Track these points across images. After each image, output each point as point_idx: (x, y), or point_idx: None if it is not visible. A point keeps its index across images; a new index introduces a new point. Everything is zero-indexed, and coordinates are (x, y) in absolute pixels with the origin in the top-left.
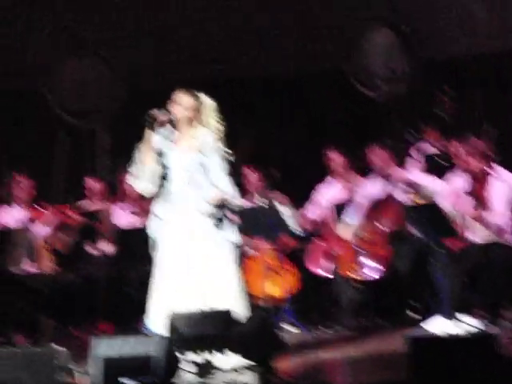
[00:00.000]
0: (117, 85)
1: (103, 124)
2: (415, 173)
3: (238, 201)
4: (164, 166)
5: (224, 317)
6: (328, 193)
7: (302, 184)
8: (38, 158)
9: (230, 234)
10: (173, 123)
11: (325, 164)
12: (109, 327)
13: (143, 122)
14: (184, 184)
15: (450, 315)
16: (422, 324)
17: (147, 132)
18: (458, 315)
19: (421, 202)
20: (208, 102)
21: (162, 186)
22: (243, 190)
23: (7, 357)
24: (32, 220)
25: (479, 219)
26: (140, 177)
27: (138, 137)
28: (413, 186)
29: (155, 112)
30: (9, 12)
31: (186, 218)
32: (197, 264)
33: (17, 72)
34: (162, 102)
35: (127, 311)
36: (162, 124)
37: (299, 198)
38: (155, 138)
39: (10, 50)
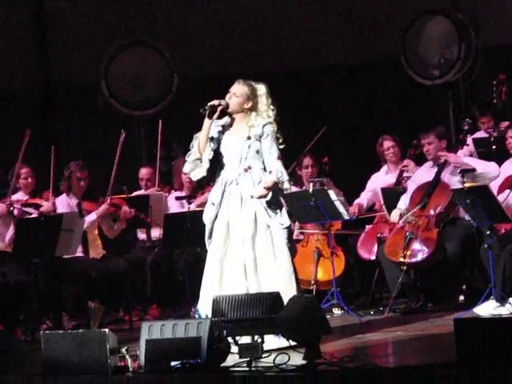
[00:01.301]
0: (171, 75)
1: (158, 114)
2: (470, 158)
3: (288, 185)
4: (220, 154)
5: (271, 299)
6: (381, 180)
7: (356, 171)
8: (95, 148)
9: (282, 218)
10: (229, 112)
11: (379, 152)
12: (158, 311)
13: (200, 111)
14: (239, 170)
15: (502, 300)
16: (473, 309)
17: (206, 121)
18: (511, 299)
19: (472, 185)
20: (262, 90)
21: (217, 173)
22: (296, 176)
23: (58, 339)
24: (86, 208)
25: None
26: (197, 165)
27: (191, 126)
28: (467, 171)
29: (214, 102)
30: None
31: (240, 203)
32: (248, 247)
33: (73, 64)
34: (216, 91)
35: (176, 295)
36: (220, 113)
37: (352, 184)
38: (212, 127)
39: (66, 44)
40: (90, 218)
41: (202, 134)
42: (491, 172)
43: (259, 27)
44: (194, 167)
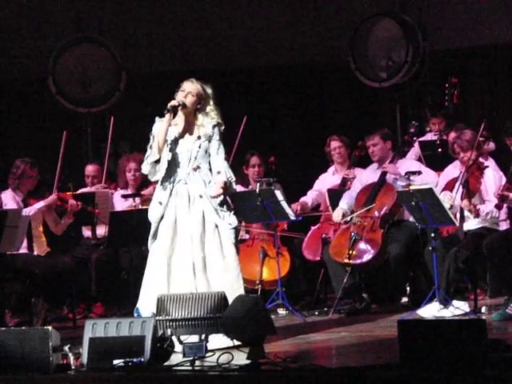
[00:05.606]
0: (119, 72)
1: (105, 111)
2: (410, 164)
3: (234, 186)
4: (172, 154)
5: (216, 299)
6: (329, 181)
7: (304, 171)
8: (41, 145)
9: (230, 218)
10: (178, 111)
11: (327, 152)
12: (102, 309)
13: (164, 113)
14: (188, 170)
15: (445, 302)
16: (417, 311)
17: (165, 121)
18: (454, 302)
19: (417, 187)
20: (210, 91)
21: (166, 173)
22: (243, 176)
23: (0, 336)
24: (31, 204)
25: (471, 208)
26: (156, 167)
27: (138, 123)
28: (413, 173)
29: (174, 103)
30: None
31: (187, 202)
32: (197, 247)
33: (20, 60)
34: (163, 89)
35: (120, 294)
36: (176, 111)
37: (300, 184)
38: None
39: (14, 40)
40: (37, 205)
41: (160, 134)
42: (430, 182)
43: (209, 24)
44: (152, 169)
